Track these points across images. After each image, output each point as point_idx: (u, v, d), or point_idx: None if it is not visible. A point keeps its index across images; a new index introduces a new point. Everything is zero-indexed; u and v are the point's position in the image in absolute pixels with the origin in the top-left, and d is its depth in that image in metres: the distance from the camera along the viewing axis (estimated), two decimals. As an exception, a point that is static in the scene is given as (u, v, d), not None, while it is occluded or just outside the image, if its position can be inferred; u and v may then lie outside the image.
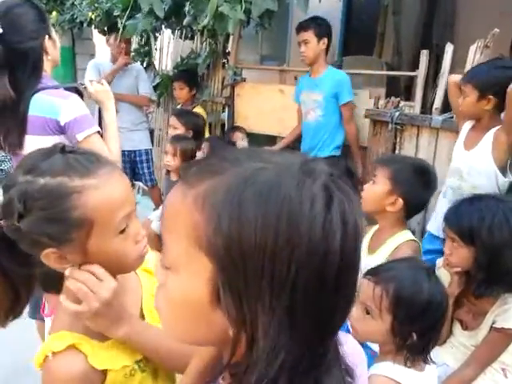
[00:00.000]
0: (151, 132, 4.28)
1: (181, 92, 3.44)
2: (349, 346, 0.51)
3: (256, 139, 3.47)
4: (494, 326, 1.43)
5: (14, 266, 0.74)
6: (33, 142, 1.74)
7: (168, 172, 2.81)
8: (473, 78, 1.82)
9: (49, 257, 0.72)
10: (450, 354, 1.57)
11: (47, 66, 1.76)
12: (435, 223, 1.98)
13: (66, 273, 0.74)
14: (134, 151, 3.67)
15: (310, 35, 2.60)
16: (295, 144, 2.96)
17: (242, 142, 3.07)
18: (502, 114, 1.83)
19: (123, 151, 3.62)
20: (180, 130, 2.87)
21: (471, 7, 3.96)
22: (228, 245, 0.41)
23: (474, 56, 2.08)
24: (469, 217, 1.38)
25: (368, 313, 1.10)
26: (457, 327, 1.57)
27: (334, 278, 0.42)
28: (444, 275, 1.56)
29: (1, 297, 0.76)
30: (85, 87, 1.90)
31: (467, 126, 2.00)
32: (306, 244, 0.41)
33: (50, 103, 1.69)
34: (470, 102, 1.83)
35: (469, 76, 1.84)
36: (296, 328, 0.42)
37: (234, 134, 3.09)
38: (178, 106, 3.61)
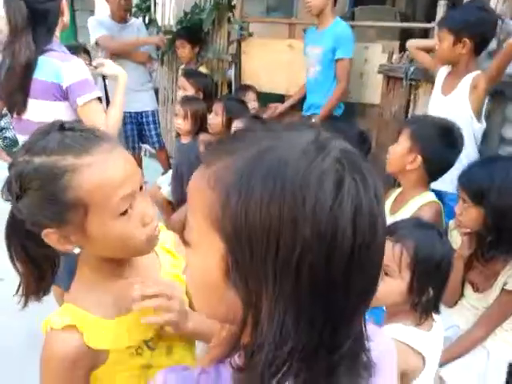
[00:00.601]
0: (156, 91, 4.18)
1: (183, 50, 3.32)
2: (379, 341, 0.50)
3: (264, 98, 3.37)
4: (505, 287, 1.43)
5: (33, 246, 0.74)
6: (37, 106, 1.72)
7: (178, 134, 2.76)
8: (447, 22, 1.80)
9: (49, 237, 0.71)
10: (460, 316, 1.59)
11: (59, 27, 1.72)
12: None
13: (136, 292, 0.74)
14: (141, 113, 3.60)
15: None
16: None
17: (254, 102, 2.97)
18: (485, 62, 1.82)
19: (129, 113, 3.55)
20: (189, 91, 2.78)
21: None
22: (235, 223, 0.41)
23: (496, 6, 1.94)
24: (479, 177, 1.37)
25: (386, 274, 1.10)
26: (468, 289, 1.57)
27: (345, 265, 0.40)
28: (456, 237, 1.55)
29: (27, 276, 0.77)
30: (95, 67, 1.88)
31: (443, 72, 1.98)
32: (311, 225, 0.39)
33: (52, 66, 1.66)
34: (446, 47, 1.82)
35: (443, 21, 1.83)
36: (303, 316, 0.41)
37: (246, 94, 2.98)
38: (182, 65, 3.49)
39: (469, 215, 1.40)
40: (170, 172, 2.95)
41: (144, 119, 3.63)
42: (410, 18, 3.90)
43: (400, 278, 1.09)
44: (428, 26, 2.49)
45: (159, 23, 3.97)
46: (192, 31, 3.37)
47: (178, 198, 2.70)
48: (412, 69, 2.24)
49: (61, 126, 0.71)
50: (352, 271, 0.41)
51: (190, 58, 3.36)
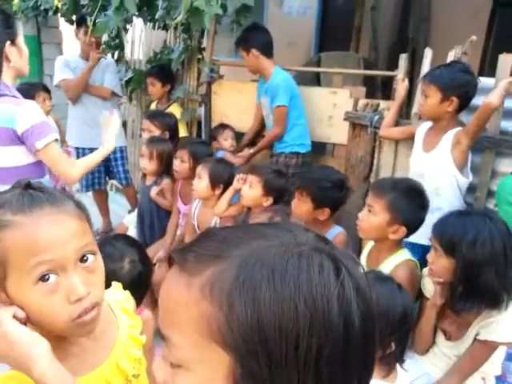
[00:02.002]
0: (124, 125, 4.15)
1: (153, 88, 3.34)
2: None
3: (236, 138, 3.41)
4: (477, 337, 1.46)
5: None
6: None
7: (144, 175, 2.73)
8: (437, 80, 1.87)
9: None
10: (432, 364, 1.60)
11: (8, 73, 1.67)
12: None
13: None
14: None
15: (240, 51, 2.70)
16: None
17: (231, 140, 3.00)
18: (464, 118, 1.90)
19: (97, 149, 3.50)
20: (155, 132, 2.78)
21: (446, 1, 3.99)
22: (247, 333, 0.39)
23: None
24: (453, 229, 1.40)
25: None
26: (440, 337, 1.59)
27: (359, 347, 0.41)
28: (429, 284, 1.58)
29: None
30: None
31: (423, 129, 2.06)
32: (324, 321, 0.39)
33: (4, 112, 1.62)
34: (433, 103, 1.89)
35: (432, 78, 1.89)
36: None
37: (223, 133, 3.01)
38: (153, 103, 3.50)
39: (440, 265, 1.43)
40: (135, 212, 2.92)
41: (111, 155, 3.58)
42: (372, 63, 4.10)
43: None
44: (391, 74, 2.62)
45: (128, 61, 4.00)
46: (163, 70, 3.40)
47: (144, 241, 2.66)
48: (376, 118, 2.34)
49: (26, 185, 0.72)
50: (364, 355, 0.42)
51: (161, 96, 3.37)
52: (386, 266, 1.63)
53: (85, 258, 0.71)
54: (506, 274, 1.32)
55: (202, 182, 2.29)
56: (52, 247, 0.67)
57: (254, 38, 2.70)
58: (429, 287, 1.57)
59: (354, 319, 0.41)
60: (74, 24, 3.54)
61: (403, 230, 1.60)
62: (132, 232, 2.80)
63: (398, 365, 1.22)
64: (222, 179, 2.29)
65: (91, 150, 3.49)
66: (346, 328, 0.40)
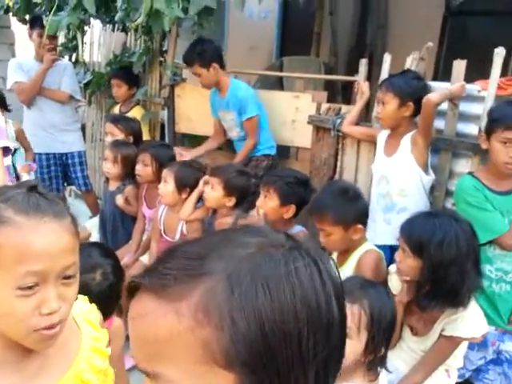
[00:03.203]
0: (82, 128, 4.04)
1: (119, 90, 3.27)
2: None
3: (200, 141, 3.39)
4: (442, 333, 1.51)
5: None
6: None
7: (107, 180, 2.66)
8: (393, 87, 1.96)
9: None
10: (399, 359, 1.65)
11: None
12: (373, 231, 2.06)
13: None
14: (66, 154, 3.47)
15: (196, 69, 2.63)
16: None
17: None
18: (417, 119, 1.98)
19: (53, 154, 3.40)
20: (118, 136, 2.72)
21: (402, 7, 4.13)
22: (253, 346, 0.39)
23: (411, 67, 2.16)
24: (421, 230, 1.45)
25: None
26: (407, 332, 1.64)
27: (339, 335, 0.44)
28: (395, 281, 1.63)
29: None
30: None
31: (384, 134, 2.14)
32: (317, 318, 0.41)
33: None
34: (391, 109, 1.98)
35: (389, 85, 1.98)
36: None
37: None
38: (116, 106, 3.42)
39: (408, 264, 1.47)
40: (97, 217, 2.84)
41: (69, 160, 3.49)
42: (332, 68, 4.19)
43: (358, 337, 1.11)
44: (351, 78, 2.69)
45: (87, 63, 3.89)
46: (129, 72, 3.34)
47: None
48: (339, 121, 2.39)
49: (31, 187, 0.72)
50: (342, 337, 0.45)
51: (126, 98, 3.31)
52: (352, 260, 1.68)
53: (67, 275, 0.71)
54: (469, 274, 1.38)
55: (167, 187, 2.25)
56: (43, 257, 0.66)
57: (211, 51, 2.65)
58: (395, 284, 1.62)
59: (335, 311, 0.43)
60: (27, 24, 3.41)
61: (359, 227, 1.67)
62: (95, 237, 2.72)
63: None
64: (188, 183, 2.26)
65: (47, 155, 3.39)
66: (330, 321, 0.43)
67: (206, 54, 2.62)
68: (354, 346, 1.10)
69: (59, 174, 3.48)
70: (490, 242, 1.73)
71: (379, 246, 1.97)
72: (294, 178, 1.98)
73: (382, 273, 1.69)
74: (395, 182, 2.04)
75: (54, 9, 2.69)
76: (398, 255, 1.51)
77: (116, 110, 3.42)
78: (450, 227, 1.41)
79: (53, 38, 3.17)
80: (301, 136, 2.78)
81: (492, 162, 1.72)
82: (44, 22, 2.95)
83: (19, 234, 0.66)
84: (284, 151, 2.99)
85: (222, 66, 2.70)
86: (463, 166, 2.05)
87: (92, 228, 2.79)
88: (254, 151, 2.78)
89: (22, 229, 0.66)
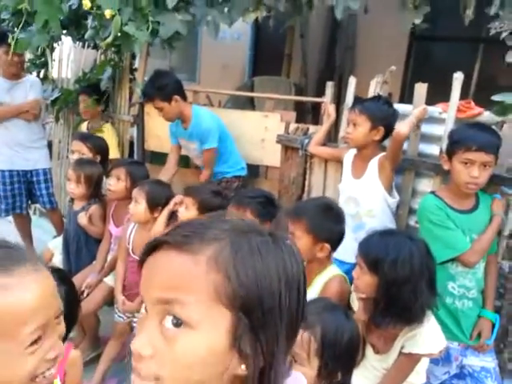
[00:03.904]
0: (49, 145, 3.95)
1: (83, 107, 3.23)
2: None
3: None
4: (402, 350, 1.52)
5: None
6: None
7: (72, 199, 2.60)
8: (367, 111, 2.01)
9: None
10: (363, 377, 1.65)
11: None
12: (343, 249, 2.07)
13: None
14: (31, 171, 3.37)
15: (158, 103, 2.61)
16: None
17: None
18: (387, 144, 2.04)
19: (17, 171, 3.31)
20: (87, 154, 2.66)
21: (370, 30, 4.27)
22: (248, 293, 0.52)
23: (375, 90, 2.22)
24: (376, 248, 1.48)
25: (295, 361, 1.10)
26: (369, 351, 1.64)
27: (303, 297, 0.58)
28: (356, 299, 1.64)
29: None
30: None
31: (350, 155, 2.19)
32: (291, 283, 0.56)
33: None
34: (362, 132, 2.03)
35: (363, 108, 2.03)
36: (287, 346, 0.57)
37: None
38: (84, 123, 3.36)
39: (364, 281, 1.49)
40: (60, 237, 2.76)
41: (34, 178, 3.40)
42: (302, 89, 4.27)
43: (309, 364, 1.10)
44: (319, 100, 2.75)
45: (56, 80, 3.83)
46: (97, 88, 3.30)
47: (69, 268, 2.51)
48: (306, 141, 2.42)
49: None
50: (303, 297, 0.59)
51: (93, 115, 3.26)
52: (317, 285, 1.68)
53: (58, 314, 0.69)
54: (423, 292, 1.41)
55: (138, 206, 2.20)
56: (41, 310, 0.64)
57: (172, 84, 2.61)
58: (357, 303, 1.63)
59: (301, 280, 0.58)
60: None
61: (327, 246, 1.67)
62: (57, 258, 2.63)
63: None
64: (159, 202, 2.22)
65: (11, 171, 3.29)
66: (298, 287, 0.57)
67: (166, 88, 2.58)
68: (307, 373, 1.09)
69: (23, 191, 3.38)
70: (453, 260, 1.77)
71: (345, 263, 1.99)
72: (265, 198, 1.98)
73: (347, 295, 1.70)
74: (364, 204, 2.09)
75: (21, 25, 2.64)
76: (355, 272, 1.53)
77: (84, 126, 3.36)
78: (405, 246, 1.43)
79: (19, 54, 3.11)
80: (270, 155, 2.80)
81: (453, 182, 1.78)
82: (10, 38, 2.89)
83: (10, 296, 0.61)
84: (253, 170, 3.01)
85: (184, 98, 2.69)
86: (426, 185, 2.10)
87: (55, 248, 2.71)
88: (224, 173, 2.80)
89: (10, 289, 0.62)
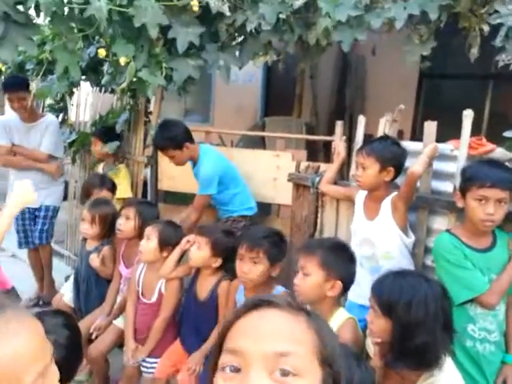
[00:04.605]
0: (66, 185, 4.03)
1: (95, 148, 3.33)
2: None
3: (182, 197, 3.39)
4: (421, 398, 1.44)
5: None
6: None
7: (85, 238, 2.62)
8: (374, 152, 1.99)
9: None
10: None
11: None
12: (357, 292, 2.02)
13: None
14: (37, 208, 3.41)
15: (170, 153, 2.70)
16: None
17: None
18: (399, 182, 2.02)
19: (28, 209, 3.32)
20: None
21: (379, 70, 4.35)
22: (331, 355, 0.63)
23: (384, 128, 2.23)
24: (389, 290, 1.43)
25: None
26: (387, 399, 1.56)
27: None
28: (372, 343, 1.57)
29: None
30: None
31: (361, 196, 2.16)
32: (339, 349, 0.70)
33: None
34: (372, 174, 2.00)
35: (369, 150, 2.01)
36: None
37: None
38: (100, 165, 3.44)
39: (378, 325, 1.43)
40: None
41: (36, 213, 3.44)
42: (313, 128, 4.33)
43: None
44: (329, 138, 2.77)
45: (73, 123, 3.96)
46: (108, 131, 3.39)
47: (78, 307, 2.49)
48: (318, 179, 2.42)
49: None
50: None
51: (102, 156, 3.34)
52: None
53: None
54: (438, 335, 1.35)
55: (150, 244, 2.21)
56: (39, 355, 0.61)
57: (182, 133, 2.70)
58: (372, 347, 1.56)
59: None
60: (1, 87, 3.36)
61: (339, 284, 1.63)
62: (68, 298, 2.62)
63: None
64: (171, 242, 2.23)
65: (28, 208, 3.33)
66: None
67: (177, 137, 2.67)
68: None
69: (32, 227, 3.44)
70: (472, 301, 1.70)
71: (362, 306, 1.93)
72: (276, 236, 1.97)
73: (360, 340, 1.64)
74: (380, 246, 2.05)
75: (41, 73, 2.76)
76: (369, 315, 1.48)
77: (99, 168, 3.44)
78: (419, 287, 1.39)
79: (21, 99, 3.15)
80: (282, 193, 2.80)
81: (469, 220, 1.74)
82: (31, 85, 3.02)
83: (5, 347, 0.58)
84: (265, 208, 3.01)
85: (192, 142, 2.76)
86: (440, 223, 2.06)
87: (65, 291, 2.70)
88: (230, 211, 2.82)
89: (4, 339, 0.59)
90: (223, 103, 5.25)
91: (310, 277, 1.62)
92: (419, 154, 2.01)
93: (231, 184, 2.81)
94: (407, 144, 2.16)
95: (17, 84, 3.18)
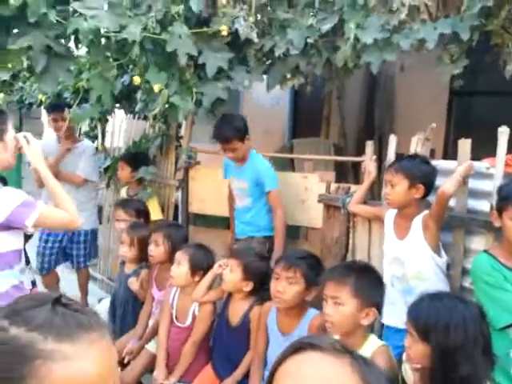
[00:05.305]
0: (100, 209, 4.15)
1: (122, 172, 3.41)
2: None
3: (211, 220, 3.43)
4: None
5: None
6: None
7: (123, 262, 2.67)
8: (402, 169, 1.98)
9: None
10: None
11: None
12: (392, 315, 1.96)
13: None
14: (72, 232, 3.49)
15: (235, 143, 2.67)
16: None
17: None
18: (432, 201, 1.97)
19: (63, 234, 3.44)
20: (128, 220, 2.77)
21: (408, 89, 4.32)
22: None
23: (416, 147, 2.20)
24: (426, 313, 1.39)
25: None
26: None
27: None
28: (409, 370, 1.52)
29: None
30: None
31: (391, 214, 2.12)
32: None
33: None
34: (401, 191, 1.97)
35: (398, 167, 2.00)
36: None
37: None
38: (124, 188, 3.53)
39: (417, 350, 1.39)
40: (107, 300, 2.80)
41: (75, 238, 3.53)
42: (342, 148, 4.31)
43: None
44: (358, 159, 2.75)
45: (108, 149, 4.11)
46: (135, 155, 3.50)
47: (114, 331, 2.51)
48: (348, 199, 2.40)
49: (55, 300, 0.63)
50: None
51: (128, 180, 3.42)
52: None
53: None
54: (478, 360, 1.29)
55: (181, 269, 2.22)
56: (105, 381, 0.60)
57: (244, 124, 2.72)
58: (410, 374, 1.51)
59: None
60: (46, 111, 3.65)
61: (374, 311, 1.59)
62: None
63: None
64: (202, 266, 2.23)
65: (49, 233, 3.43)
66: None
67: (241, 128, 2.68)
68: None
69: (59, 251, 3.52)
70: (512, 325, 1.63)
71: (399, 330, 1.87)
72: (313, 259, 1.96)
73: (395, 367, 1.59)
74: (410, 265, 2.00)
75: (77, 101, 2.90)
76: (406, 341, 1.43)
77: (123, 192, 3.52)
78: (457, 310, 1.34)
79: (61, 120, 3.36)
80: (310, 216, 2.78)
81: (506, 240, 1.68)
82: (66, 112, 3.17)
83: (71, 367, 0.57)
84: (294, 231, 2.97)
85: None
86: (478, 243, 1.99)
87: (100, 313, 2.74)
88: (254, 230, 2.75)
89: (72, 358, 0.58)
90: (251, 126, 5.27)
91: (343, 307, 1.58)
92: (453, 172, 1.97)
93: (264, 195, 2.73)
94: (440, 163, 2.12)
95: (61, 105, 3.47)
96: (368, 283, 1.61)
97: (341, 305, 1.58)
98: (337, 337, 1.63)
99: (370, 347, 1.60)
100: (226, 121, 2.71)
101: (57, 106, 3.51)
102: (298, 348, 0.65)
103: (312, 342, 0.65)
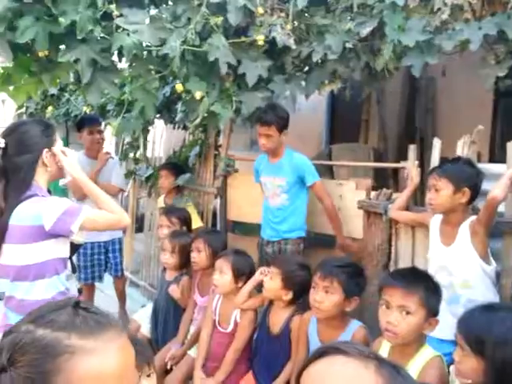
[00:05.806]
0: (142, 218, 4.25)
1: (165, 181, 3.47)
2: None
3: (248, 227, 3.43)
4: None
5: None
6: (12, 251, 1.72)
7: (164, 269, 2.73)
8: (447, 173, 1.91)
9: None
10: None
11: (42, 177, 1.78)
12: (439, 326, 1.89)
13: None
14: (108, 241, 3.59)
15: (273, 130, 2.64)
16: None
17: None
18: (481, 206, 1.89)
19: (98, 243, 3.49)
20: (175, 227, 2.82)
21: (450, 92, 4.19)
22: None
23: (462, 151, 2.13)
24: (478, 325, 1.31)
25: None
26: None
27: None
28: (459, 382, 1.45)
29: None
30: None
31: (436, 220, 2.05)
32: None
33: (29, 211, 1.71)
34: (446, 195, 1.90)
35: (442, 171, 1.93)
36: None
37: None
38: (161, 197, 3.59)
39: (468, 364, 1.31)
40: (149, 306, 2.86)
41: (110, 247, 3.61)
42: (382, 154, 4.22)
43: None
44: (398, 165, 2.68)
45: (150, 159, 4.22)
46: (176, 165, 3.56)
47: (156, 338, 2.56)
48: (390, 206, 2.34)
49: (76, 304, 0.69)
50: None
51: (170, 189, 3.48)
52: (413, 367, 1.52)
53: None
54: None
55: (224, 277, 2.23)
56: (124, 378, 0.65)
57: (287, 118, 2.70)
58: (459, 385, 1.44)
59: None
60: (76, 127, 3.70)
61: (436, 320, 1.54)
62: (145, 328, 2.71)
63: None
64: (244, 272, 2.25)
65: (92, 243, 3.49)
66: None
67: (284, 119, 2.67)
68: None
69: (102, 262, 3.60)
70: None
71: (443, 341, 1.80)
72: (353, 268, 1.92)
73: (446, 379, 1.52)
74: (457, 273, 1.93)
75: (123, 112, 3.00)
76: (456, 354, 1.35)
77: (160, 201, 3.58)
78: (511, 321, 1.26)
79: (100, 132, 3.53)
80: (345, 224, 2.70)
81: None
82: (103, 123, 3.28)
83: (95, 361, 0.63)
84: (329, 240, 2.88)
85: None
86: (531, 250, 1.90)
87: (141, 320, 2.80)
88: (288, 231, 2.70)
89: (95, 353, 0.63)
90: (288, 132, 5.30)
91: (412, 316, 1.51)
92: (501, 176, 1.88)
93: (302, 192, 2.71)
94: (488, 166, 2.04)
95: (96, 119, 3.64)
96: (435, 294, 1.56)
97: (409, 314, 1.51)
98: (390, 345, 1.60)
99: (424, 356, 1.54)
100: (272, 107, 2.69)
101: (93, 120, 3.62)
102: (323, 352, 0.66)
103: (337, 347, 0.65)
